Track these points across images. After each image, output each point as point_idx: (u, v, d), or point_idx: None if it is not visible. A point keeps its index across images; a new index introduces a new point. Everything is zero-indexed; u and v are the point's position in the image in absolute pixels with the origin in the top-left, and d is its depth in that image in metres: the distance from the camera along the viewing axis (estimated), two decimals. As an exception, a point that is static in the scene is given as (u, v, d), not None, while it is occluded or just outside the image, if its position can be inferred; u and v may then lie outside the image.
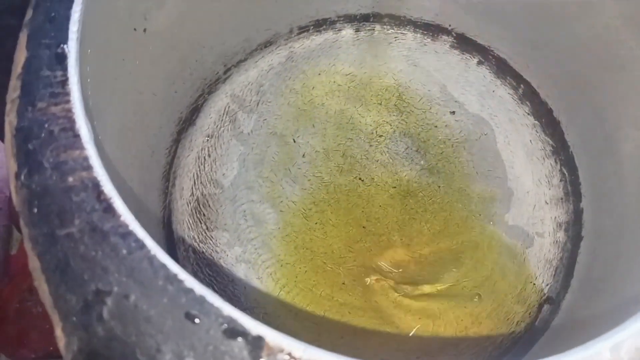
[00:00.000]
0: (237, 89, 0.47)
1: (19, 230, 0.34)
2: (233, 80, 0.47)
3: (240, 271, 0.42)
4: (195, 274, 0.41)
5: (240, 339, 0.20)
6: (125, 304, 0.20)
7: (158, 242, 0.39)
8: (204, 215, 0.43)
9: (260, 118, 0.46)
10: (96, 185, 0.22)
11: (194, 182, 0.44)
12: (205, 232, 0.42)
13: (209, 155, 0.45)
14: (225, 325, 0.20)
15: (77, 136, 0.22)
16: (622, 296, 0.32)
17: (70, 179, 0.22)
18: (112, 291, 0.21)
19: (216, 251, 0.42)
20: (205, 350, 0.20)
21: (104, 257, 0.21)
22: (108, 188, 0.22)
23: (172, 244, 0.42)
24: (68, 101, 0.23)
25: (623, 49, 0.37)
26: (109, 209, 0.21)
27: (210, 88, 0.46)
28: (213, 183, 0.44)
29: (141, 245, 0.21)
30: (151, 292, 0.20)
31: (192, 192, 0.43)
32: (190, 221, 0.43)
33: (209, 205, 0.43)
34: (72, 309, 0.21)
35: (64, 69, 0.24)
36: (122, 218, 0.21)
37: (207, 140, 0.45)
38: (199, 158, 0.44)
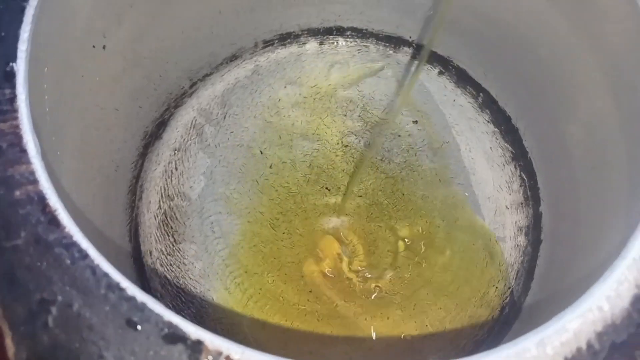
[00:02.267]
0: (204, 102, 0.47)
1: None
2: (199, 94, 0.47)
3: (208, 282, 0.42)
4: (162, 287, 0.42)
5: (180, 344, 0.20)
6: (68, 312, 0.21)
7: (124, 255, 0.40)
8: (171, 228, 0.43)
9: (227, 131, 0.47)
10: (42, 198, 0.22)
11: (162, 196, 0.44)
12: (173, 245, 0.43)
13: (176, 169, 0.45)
14: (166, 330, 0.21)
15: (24, 151, 0.23)
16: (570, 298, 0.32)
17: (17, 193, 0.23)
18: (56, 300, 0.21)
19: (184, 263, 0.43)
20: (145, 355, 0.20)
21: (48, 267, 0.21)
22: (53, 200, 0.22)
23: (139, 256, 0.42)
24: (16, 118, 0.24)
25: (573, 57, 0.38)
26: (53, 221, 0.22)
27: (176, 102, 0.46)
28: (180, 196, 0.45)
29: (84, 255, 0.22)
30: (93, 301, 0.21)
31: (160, 205, 0.44)
32: (158, 234, 0.43)
33: (177, 218, 0.44)
34: (19, 318, 0.21)
35: (13, 86, 0.24)
36: (66, 229, 0.22)
37: (174, 153, 0.46)
38: (166, 171, 0.45)
